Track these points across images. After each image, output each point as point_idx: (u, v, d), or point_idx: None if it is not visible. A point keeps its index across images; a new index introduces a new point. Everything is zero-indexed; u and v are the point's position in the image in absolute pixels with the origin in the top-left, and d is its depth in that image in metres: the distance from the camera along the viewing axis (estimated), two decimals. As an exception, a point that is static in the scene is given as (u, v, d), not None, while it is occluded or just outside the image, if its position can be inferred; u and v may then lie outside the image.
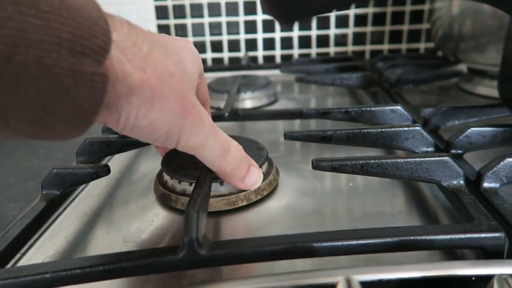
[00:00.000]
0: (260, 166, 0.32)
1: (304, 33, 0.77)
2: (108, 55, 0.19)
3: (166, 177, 0.32)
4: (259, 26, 0.77)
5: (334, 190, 0.33)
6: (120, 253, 0.21)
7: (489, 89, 0.55)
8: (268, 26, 0.77)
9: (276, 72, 0.67)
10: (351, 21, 0.76)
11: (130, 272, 0.21)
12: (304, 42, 0.78)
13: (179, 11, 0.76)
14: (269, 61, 0.79)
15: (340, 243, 0.21)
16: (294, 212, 0.30)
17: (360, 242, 0.21)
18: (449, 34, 0.59)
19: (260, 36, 0.78)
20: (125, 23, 0.21)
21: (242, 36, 0.78)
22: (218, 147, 0.26)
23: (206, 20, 0.77)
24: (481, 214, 0.24)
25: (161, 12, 0.77)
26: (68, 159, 0.39)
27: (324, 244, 0.21)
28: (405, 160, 0.28)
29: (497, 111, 0.39)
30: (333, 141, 0.34)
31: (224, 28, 0.78)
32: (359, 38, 0.78)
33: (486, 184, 0.27)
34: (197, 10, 0.76)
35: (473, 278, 0.20)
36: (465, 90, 0.59)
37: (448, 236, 0.22)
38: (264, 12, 0.20)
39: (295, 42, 0.78)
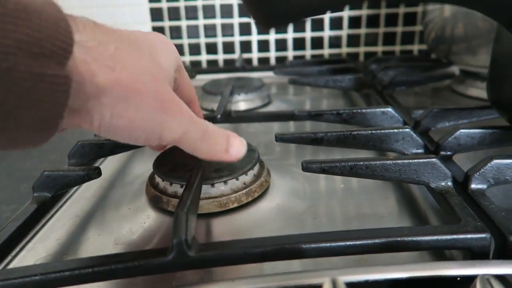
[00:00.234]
0: (251, 168, 0.32)
1: (299, 35, 0.78)
2: (71, 56, 0.18)
3: (158, 179, 0.32)
4: (254, 28, 0.77)
5: (325, 192, 0.33)
6: (110, 255, 0.22)
7: (481, 91, 0.56)
8: (262, 28, 0.77)
9: (271, 74, 0.67)
10: (345, 23, 0.77)
11: (120, 274, 0.21)
12: (299, 44, 0.79)
13: (174, 13, 0.77)
14: (263, 63, 0.80)
15: (328, 244, 0.22)
16: (285, 214, 0.30)
17: (348, 243, 0.22)
18: (441, 37, 0.59)
19: (254, 38, 0.78)
20: (89, 23, 0.21)
21: (237, 38, 0.78)
22: (198, 132, 0.26)
23: (201, 22, 0.77)
24: (468, 215, 0.24)
25: (156, 14, 0.77)
26: (61, 161, 0.39)
27: (312, 245, 0.21)
28: (394, 162, 0.28)
29: (487, 113, 0.39)
30: (324, 143, 0.34)
31: (218, 30, 0.78)
32: (353, 40, 0.78)
33: (473, 186, 0.27)
34: (191, 12, 0.77)
35: (458, 279, 0.20)
36: (457, 92, 0.60)
37: (435, 237, 0.22)
38: (245, 14, 0.20)
39: (290, 44, 0.79)
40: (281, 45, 0.79)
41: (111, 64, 0.20)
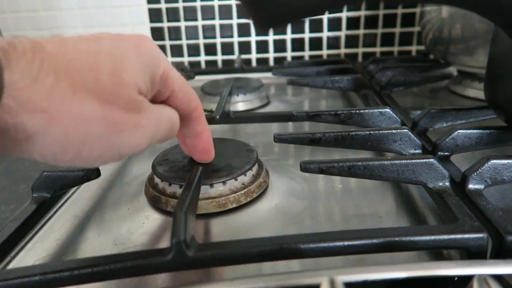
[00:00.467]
0: (250, 169, 0.32)
1: (297, 35, 0.78)
2: None
3: (157, 180, 0.32)
4: (252, 29, 0.77)
5: (323, 192, 0.33)
6: (109, 256, 0.22)
7: (479, 92, 0.56)
8: (261, 29, 0.77)
9: (269, 74, 0.67)
10: (344, 23, 0.77)
11: (119, 274, 0.21)
12: (297, 44, 0.79)
13: (173, 14, 0.77)
14: (262, 64, 0.80)
15: (326, 244, 0.22)
16: (283, 214, 0.30)
17: (346, 243, 0.22)
18: (439, 37, 0.59)
19: (253, 38, 0.78)
20: (28, 49, 0.18)
21: (236, 39, 0.78)
22: (165, 126, 0.25)
23: (200, 23, 0.77)
24: (465, 215, 0.24)
25: (154, 15, 0.77)
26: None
27: (311, 245, 0.22)
28: (391, 162, 0.28)
29: (484, 113, 0.40)
30: (322, 144, 0.35)
31: (217, 31, 0.78)
32: (351, 41, 0.78)
33: (471, 186, 0.27)
34: (190, 13, 0.77)
35: (456, 278, 0.20)
36: (455, 93, 0.60)
37: (432, 237, 0.22)
38: (243, 15, 0.20)
39: (288, 45, 0.79)
40: (279, 46, 0.79)
41: (45, 105, 0.19)
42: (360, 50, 0.79)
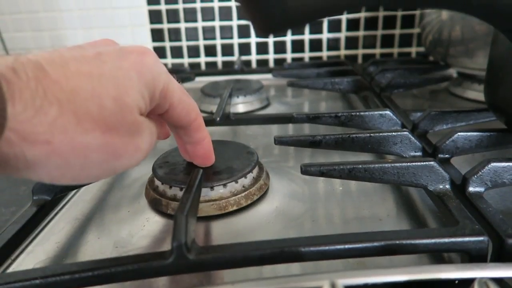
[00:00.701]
0: (251, 171, 0.32)
1: (297, 37, 0.78)
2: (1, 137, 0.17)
3: (157, 182, 0.32)
4: (253, 30, 0.77)
5: (324, 194, 0.33)
6: (109, 259, 0.22)
7: (479, 94, 0.56)
8: (261, 31, 0.77)
9: (269, 76, 0.67)
10: (344, 25, 0.77)
11: (119, 278, 0.21)
12: (297, 46, 0.79)
13: (173, 15, 0.77)
14: (262, 65, 0.80)
15: (326, 247, 0.22)
16: (284, 217, 0.30)
17: (346, 246, 0.22)
18: (438, 39, 0.59)
19: (253, 40, 0.79)
20: (31, 77, 0.18)
21: (236, 41, 0.78)
22: (154, 141, 0.26)
23: (200, 24, 0.77)
24: (466, 218, 0.24)
25: (154, 16, 0.77)
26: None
27: (311, 248, 0.22)
28: (392, 165, 0.28)
29: (484, 115, 0.40)
30: (322, 146, 0.35)
31: (217, 32, 0.78)
32: (351, 43, 0.78)
33: (471, 189, 0.27)
34: (190, 15, 0.77)
35: (456, 282, 0.21)
36: (455, 94, 0.60)
37: (433, 240, 0.22)
38: (242, 18, 0.20)
39: (288, 46, 0.79)
40: (279, 47, 0.79)
41: (48, 136, 0.19)
42: (360, 51, 0.79)
